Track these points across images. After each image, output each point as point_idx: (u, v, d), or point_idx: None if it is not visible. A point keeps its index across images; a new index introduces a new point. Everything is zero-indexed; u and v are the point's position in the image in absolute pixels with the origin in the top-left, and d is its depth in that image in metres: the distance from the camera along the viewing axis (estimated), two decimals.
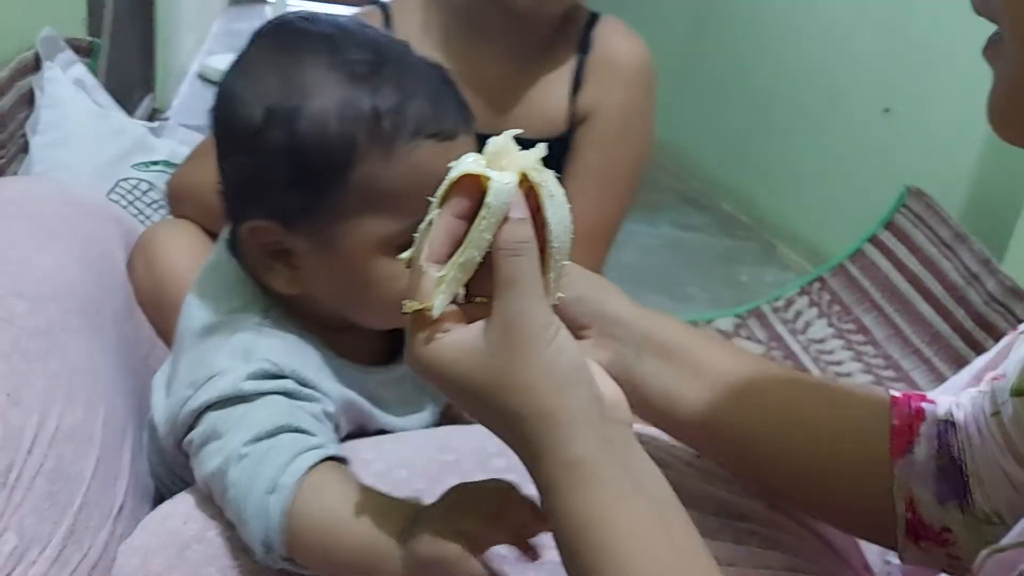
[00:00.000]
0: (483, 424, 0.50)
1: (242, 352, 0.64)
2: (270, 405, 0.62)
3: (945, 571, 0.63)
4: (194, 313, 0.69)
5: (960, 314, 1.49)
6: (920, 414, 0.62)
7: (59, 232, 0.85)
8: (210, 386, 0.62)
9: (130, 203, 1.24)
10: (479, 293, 0.49)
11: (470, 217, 0.48)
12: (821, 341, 1.64)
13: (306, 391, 0.65)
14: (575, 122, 1.05)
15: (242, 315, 0.67)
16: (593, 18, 1.05)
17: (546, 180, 0.48)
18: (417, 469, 0.70)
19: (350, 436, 0.72)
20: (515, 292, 0.46)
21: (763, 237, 2.26)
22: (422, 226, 0.49)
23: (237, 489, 0.59)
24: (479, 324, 0.48)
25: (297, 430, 0.61)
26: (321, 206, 0.63)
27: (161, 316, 0.93)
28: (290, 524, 0.57)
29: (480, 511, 0.52)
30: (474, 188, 0.48)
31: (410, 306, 0.48)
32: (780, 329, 1.68)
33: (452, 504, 0.54)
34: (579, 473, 0.45)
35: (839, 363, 1.59)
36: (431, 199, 0.49)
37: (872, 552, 0.78)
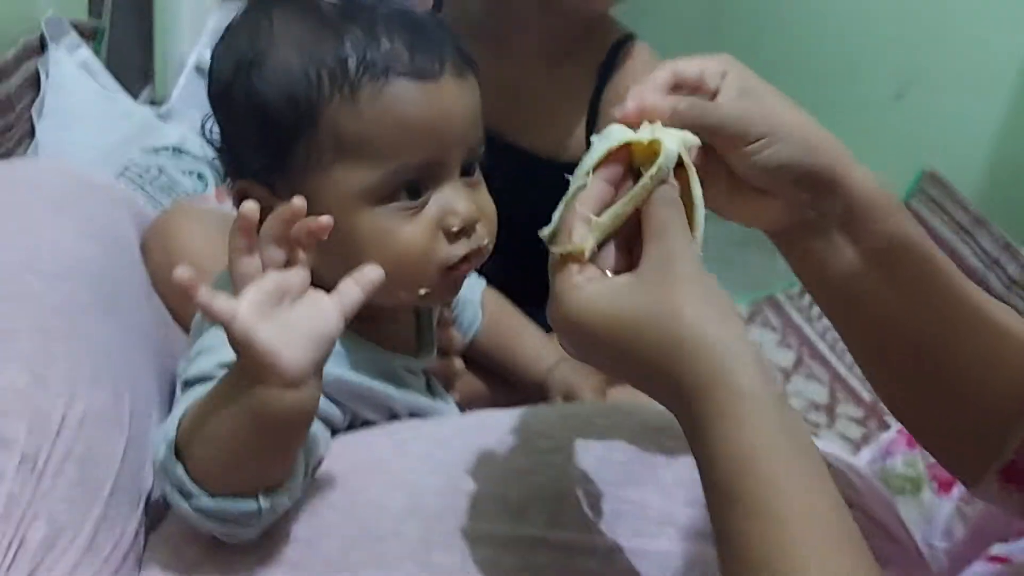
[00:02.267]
0: (627, 371, 0.49)
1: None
2: None
3: (1014, 515, 0.62)
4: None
5: None
6: None
7: (71, 212, 0.82)
8: (194, 363, 0.60)
9: (139, 187, 1.22)
10: (620, 269, 0.50)
11: (618, 184, 0.51)
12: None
13: None
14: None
15: None
16: (622, 41, 0.98)
17: (693, 169, 0.51)
18: (456, 451, 0.68)
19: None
20: (669, 234, 0.47)
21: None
22: (570, 191, 0.51)
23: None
24: (628, 273, 0.48)
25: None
26: (294, 160, 0.60)
27: (179, 300, 0.90)
28: (180, 434, 0.53)
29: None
30: (625, 159, 0.51)
31: (560, 248, 0.49)
32: (795, 317, 1.66)
33: None
34: (748, 405, 0.43)
35: None
36: (586, 165, 0.51)
37: (918, 537, 0.76)
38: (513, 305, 0.91)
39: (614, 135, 0.51)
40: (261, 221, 0.60)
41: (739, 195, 0.56)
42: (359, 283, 0.52)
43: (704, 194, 0.53)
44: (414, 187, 0.61)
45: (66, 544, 0.55)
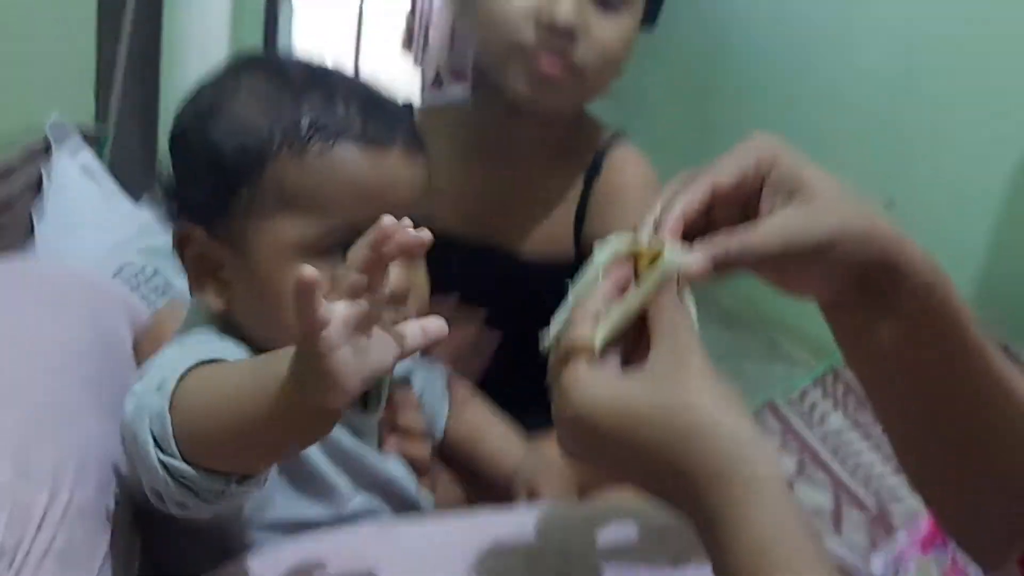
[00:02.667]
0: (639, 466, 0.47)
1: (195, 350, 0.59)
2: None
3: None
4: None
5: None
6: None
7: (68, 308, 0.83)
8: (152, 371, 0.58)
9: (134, 288, 1.21)
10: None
11: (625, 288, 0.51)
12: (838, 433, 1.60)
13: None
14: (582, 253, 0.98)
15: (206, 334, 0.65)
16: (610, 142, 0.99)
17: (687, 292, 0.51)
18: (450, 552, 0.65)
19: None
20: (679, 331, 0.48)
21: (765, 332, 2.24)
22: (577, 286, 0.52)
23: (128, 410, 0.55)
24: (637, 367, 0.48)
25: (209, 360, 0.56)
26: (237, 205, 0.61)
27: None
28: (175, 407, 0.52)
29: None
30: (630, 264, 0.52)
31: (569, 343, 0.49)
32: (795, 422, 1.64)
33: None
34: (767, 491, 0.43)
35: (858, 453, 1.55)
36: (592, 269, 0.52)
37: None
38: (481, 399, 0.89)
39: (618, 242, 0.53)
40: (198, 262, 0.64)
41: (788, 280, 0.55)
42: (426, 332, 0.51)
43: (756, 268, 0.54)
44: (347, 248, 0.60)
45: None
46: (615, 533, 0.71)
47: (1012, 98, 1.64)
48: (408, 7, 4.49)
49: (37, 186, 1.21)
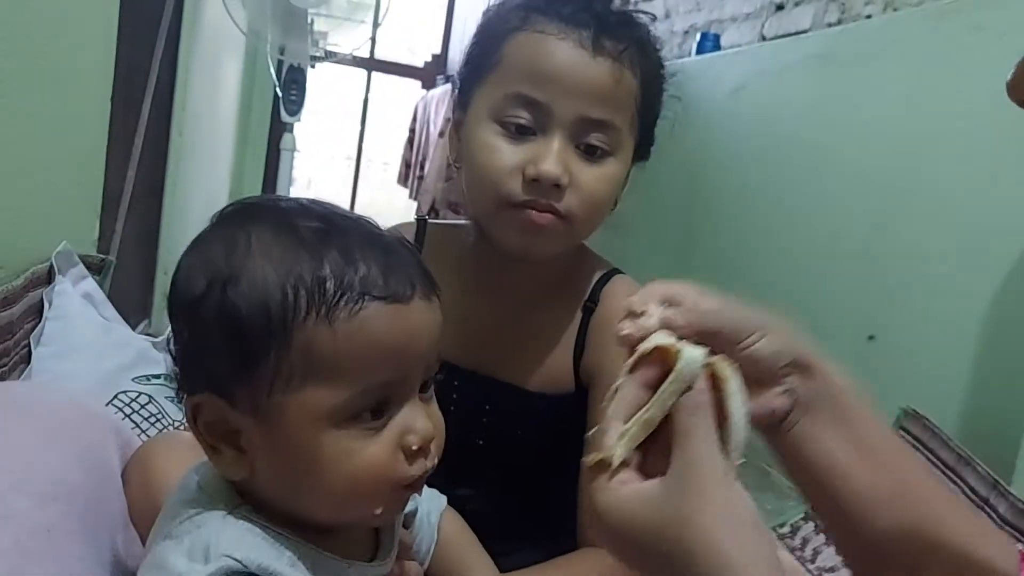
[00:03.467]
0: (654, 572, 0.50)
1: (202, 550, 0.58)
2: None
3: None
4: (162, 518, 0.64)
5: None
6: None
7: (62, 435, 0.84)
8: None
9: (127, 416, 1.22)
10: (656, 472, 0.52)
11: (655, 386, 0.53)
12: (832, 570, 1.57)
13: None
14: (582, 383, 0.99)
15: (208, 512, 0.62)
16: (607, 276, 1.01)
17: (731, 378, 0.53)
18: None
19: None
20: (693, 440, 0.50)
21: (756, 463, 2.22)
22: (608, 394, 0.54)
23: None
24: (655, 479, 0.50)
25: None
26: (261, 376, 0.58)
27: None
28: None
29: None
30: (660, 362, 0.53)
31: (593, 458, 0.52)
32: (784, 558, 1.61)
33: None
34: None
35: None
36: (624, 368, 0.54)
37: None
38: (470, 533, 0.88)
39: (649, 341, 0.54)
40: (215, 430, 0.61)
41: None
42: None
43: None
44: (378, 407, 0.61)
45: None
46: None
47: (980, 241, 1.70)
48: (404, 144, 4.64)
49: (38, 312, 1.23)
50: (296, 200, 0.65)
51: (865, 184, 2.06)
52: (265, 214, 0.63)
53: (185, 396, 0.62)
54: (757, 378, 0.60)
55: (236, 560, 0.58)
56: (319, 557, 0.64)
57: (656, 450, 0.53)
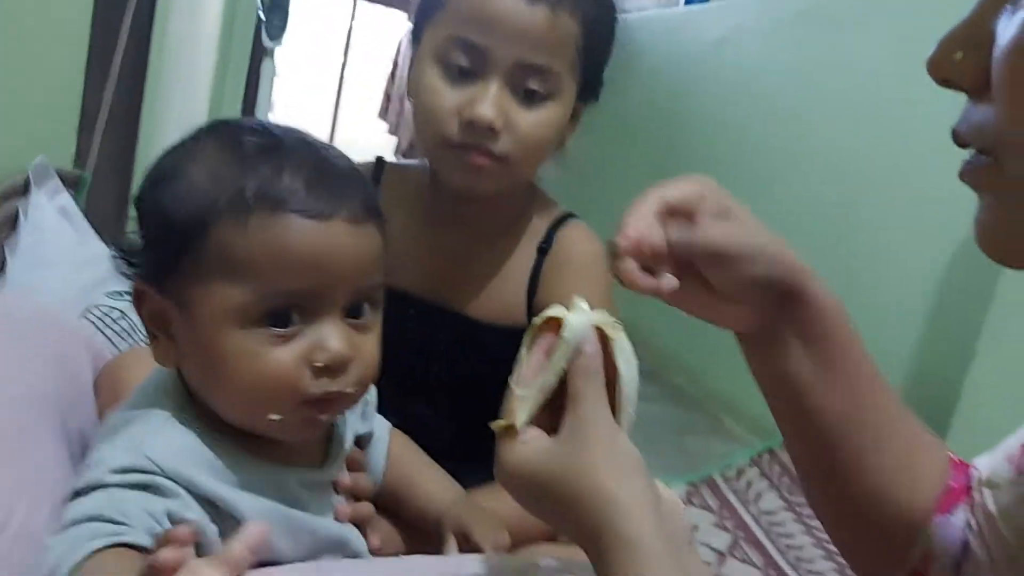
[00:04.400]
0: (547, 518, 0.57)
1: (133, 444, 0.63)
2: (110, 495, 0.60)
3: None
4: (119, 408, 0.69)
5: None
6: (970, 488, 0.66)
7: (35, 344, 0.86)
8: (86, 475, 0.61)
9: (100, 330, 1.25)
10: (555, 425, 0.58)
11: (552, 352, 0.59)
12: (772, 513, 1.65)
13: (172, 488, 0.62)
14: (532, 319, 1.04)
15: (155, 409, 0.67)
16: (562, 220, 1.04)
17: (620, 337, 0.59)
18: None
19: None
20: (583, 402, 0.56)
21: (711, 410, 2.30)
22: (516, 364, 0.60)
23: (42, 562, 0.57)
24: (553, 436, 0.57)
25: (109, 520, 0.58)
26: (183, 268, 0.63)
27: None
28: None
29: None
30: (555, 331, 0.59)
31: (497, 424, 0.59)
32: (732, 499, 1.69)
33: None
34: (630, 551, 0.50)
35: (790, 535, 1.59)
36: (525, 339, 0.61)
37: None
38: (419, 449, 0.92)
39: (544, 312, 0.61)
40: (153, 319, 0.67)
41: (716, 304, 0.65)
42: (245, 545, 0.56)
43: (686, 302, 0.64)
44: (286, 315, 0.64)
45: None
46: None
47: (940, 215, 1.75)
48: (387, 76, 4.60)
49: (14, 223, 1.25)
50: (262, 122, 0.69)
51: (838, 150, 2.09)
52: (222, 130, 0.68)
53: (134, 282, 0.67)
54: (741, 300, 0.65)
55: (151, 460, 0.62)
56: (256, 463, 0.68)
57: (557, 409, 0.58)
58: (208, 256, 0.63)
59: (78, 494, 0.61)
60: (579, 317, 0.59)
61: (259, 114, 3.19)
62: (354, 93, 5.07)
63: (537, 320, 0.61)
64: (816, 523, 1.63)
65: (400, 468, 0.88)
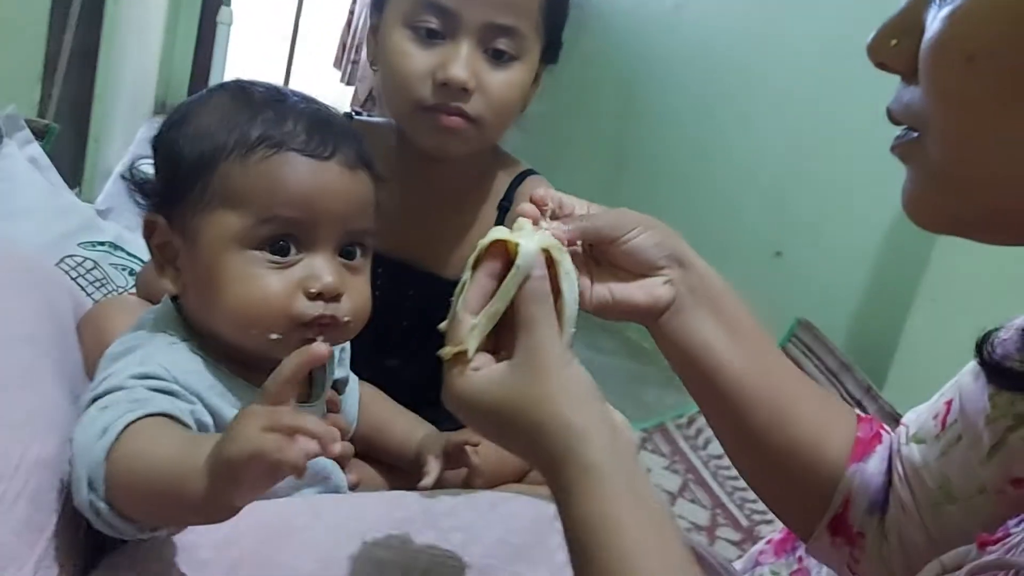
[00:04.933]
0: (505, 446, 0.57)
1: (138, 360, 0.68)
2: (136, 390, 0.65)
3: (841, 571, 0.73)
4: (116, 342, 0.73)
5: None
6: (878, 437, 0.73)
7: (26, 287, 0.89)
8: (100, 385, 0.66)
9: (73, 279, 1.27)
10: (503, 349, 0.58)
11: (499, 277, 0.59)
12: (720, 457, 1.74)
13: (187, 395, 0.67)
14: None
15: (159, 335, 0.72)
16: (522, 176, 1.07)
17: (565, 259, 0.60)
18: (368, 523, 0.74)
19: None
20: (535, 329, 0.56)
21: (664, 363, 2.38)
22: (458, 288, 0.60)
23: (76, 440, 0.61)
24: (504, 363, 0.57)
25: (145, 401, 0.63)
26: (190, 200, 0.70)
27: None
28: (111, 459, 0.58)
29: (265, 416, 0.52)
30: (502, 254, 0.59)
31: (448, 351, 0.58)
32: (682, 445, 1.77)
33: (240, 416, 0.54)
34: (593, 477, 0.51)
35: (737, 478, 1.69)
36: (468, 263, 0.60)
37: None
38: (386, 396, 0.97)
39: (489, 235, 0.60)
40: (161, 249, 0.73)
41: (623, 288, 0.70)
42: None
43: (590, 299, 0.67)
44: (283, 245, 0.70)
45: (13, 572, 0.59)
46: (513, 517, 0.82)
47: (878, 187, 1.84)
48: (343, 25, 4.53)
49: None
50: (272, 83, 0.76)
51: (788, 111, 2.16)
52: (236, 85, 0.75)
53: (145, 213, 0.74)
54: (640, 271, 0.70)
55: (165, 370, 0.67)
56: (253, 394, 0.70)
57: (506, 334, 0.59)
58: (213, 189, 0.69)
59: (97, 399, 0.64)
60: (530, 243, 0.59)
61: (216, 63, 3.16)
62: (309, 41, 5.00)
63: (483, 243, 0.60)
64: None
65: (373, 414, 0.93)
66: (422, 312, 1.06)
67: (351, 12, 4.42)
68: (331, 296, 0.70)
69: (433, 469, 0.87)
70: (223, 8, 3.14)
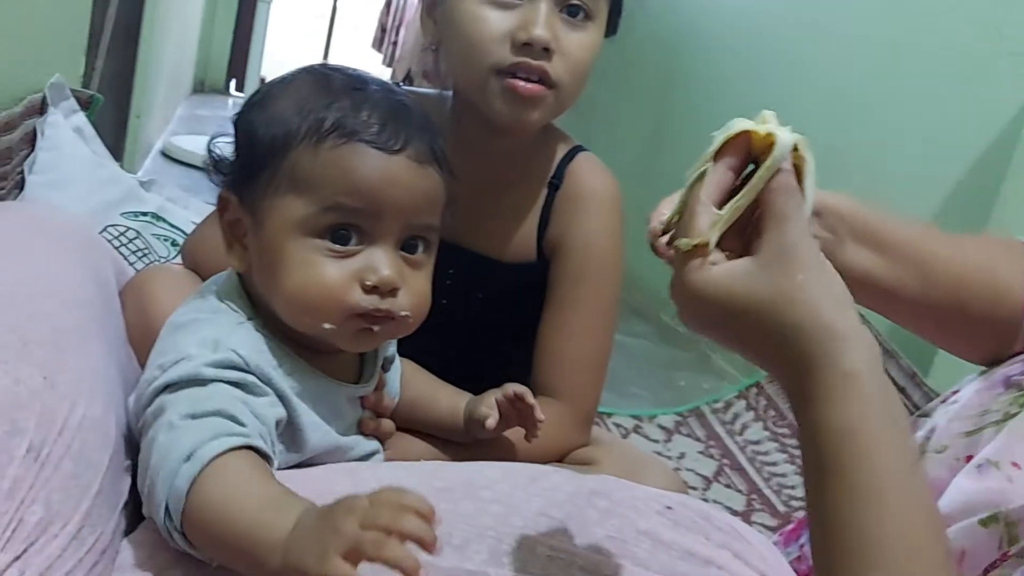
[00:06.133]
0: (742, 346, 0.54)
1: (212, 342, 0.69)
2: (218, 390, 0.66)
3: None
4: (179, 310, 0.75)
5: None
6: None
7: (74, 252, 0.92)
8: (174, 368, 0.67)
9: (116, 248, 1.28)
10: (728, 247, 0.55)
11: (738, 170, 0.55)
12: (757, 443, 1.72)
13: (261, 387, 0.69)
14: (544, 254, 1.05)
15: (225, 314, 0.73)
16: (572, 153, 1.06)
17: (810, 157, 0.55)
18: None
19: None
20: (789, 224, 0.52)
21: (699, 348, 2.37)
22: (690, 178, 0.56)
23: (158, 454, 0.62)
24: (748, 257, 0.53)
25: (231, 418, 0.64)
26: (261, 182, 0.71)
27: (144, 351, 0.96)
28: (192, 494, 0.59)
29: (362, 513, 0.51)
30: (744, 148, 0.56)
31: (686, 243, 0.54)
32: (718, 429, 1.76)
33: (337, 507, 0.53)
34: (855, 384, 0.49)
35: (774, 464, 1.67)
36: (708, 153, 0.56)
37: None
38: (425, 370, 0.97)
39: (734, 126, 0.56)
40: (231, 227, 0.74)
41: None
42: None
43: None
44: (344, 235, 0.70)
45: (57, 530, 0.60)
46: (552, 491, 0.81)
47: (928, 160, 1.80)
48: (382, 6, 4.54)
49: (32, 141, 1.27)
50: (355, 69, 0.77)
51: (834, 84, 2.12)
52: (318, 70, 0.76)
53: (220, 190, 0.75)
54: None
55: (240, 357, 0.68)
56: (311, 374, 0.74)
57: (734, 231, 0.55)
58: (283, 173, 0.70)
59: (173, 386, 0.66)
60: (786, 135, 0.54)
61: (255, 41, 3.17)
62: (347, 22, 5.01)
63: (727, 133, 0.56)
64: (799, 452, 1.70)
65: (415, 387, 0.93)
66: (462, 291, 1.06)
67: None
68: (387, 290, 0.70)
69: (494, 412, 0.87)
70: None
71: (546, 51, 0.91)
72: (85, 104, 1.41)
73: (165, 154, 2.95)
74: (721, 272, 0.53)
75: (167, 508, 0.61)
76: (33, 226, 0.90)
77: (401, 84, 1.11)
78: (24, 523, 0.58)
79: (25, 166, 1.24)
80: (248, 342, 0.70)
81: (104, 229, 1.29)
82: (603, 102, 1.02)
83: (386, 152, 0.70)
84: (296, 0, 5.08)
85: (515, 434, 0.93)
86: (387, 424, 0.86)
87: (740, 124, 0.56)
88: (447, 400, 0.93)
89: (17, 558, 0.56)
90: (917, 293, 0.73)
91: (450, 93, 1.03)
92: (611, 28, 1.00)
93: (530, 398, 0.87)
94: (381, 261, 0.70)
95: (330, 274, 0.69)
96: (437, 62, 1.03)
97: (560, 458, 0.99)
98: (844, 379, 0.49)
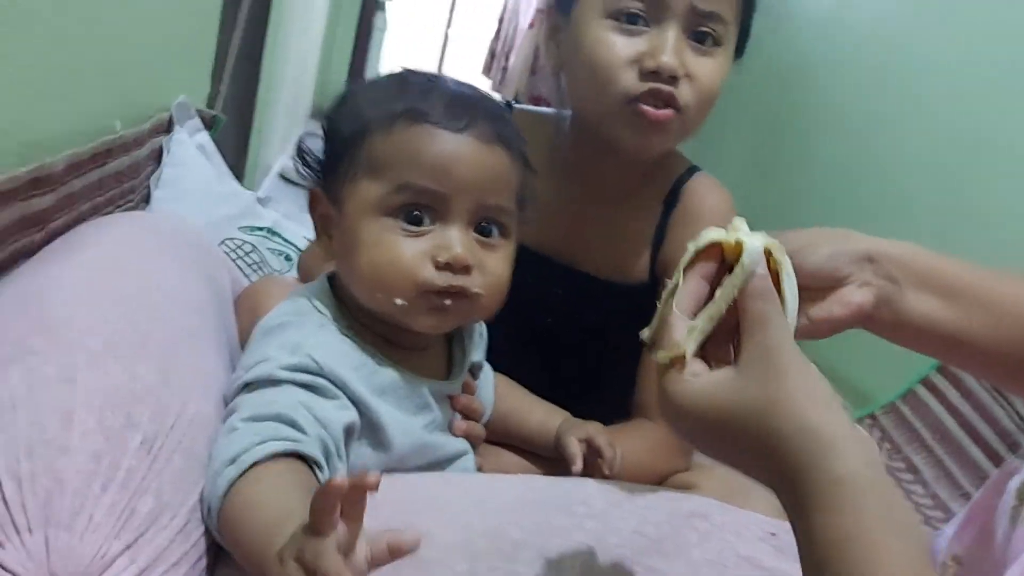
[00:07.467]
0: (729, 457, 0.53)
1: (292, 345, 0.71)
2: (286, 393, 0.68)
3: None
4: (271, 313, 0.77)
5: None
6: None
7: (194, 261, 0.96)
8: (254, 369, 0.70)
9: (233, 260, 1.33)
10: (715, 358, 0.55)
11: (713, 279, 0.56)
12: None
13: (332, 390, 0.70)
14: (656, 275, 1.03)
15: (309, 317, 0.75)
16: (688, 173, 1.04)
17: (785, 260, 0.56)
18: (504, 502, 0.75)
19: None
20: (769, 328, 0.52)
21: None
22: (666, 291, 0.57)
23: (215, 454, 0.65)
24: (729, 367, 0.53)
25: (289, 422, 0.65)
26: (341, 172, 0.74)
27: None
28: (228, 498, 0.61)
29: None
30: (716, 257, 0.57)
31: (663, 356, 0.55)
32: None
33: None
34: (846, 491, 0.46)
35: None
36: (681, 264, 0.58)
37: None
38: (520, 386, 0.96)
39: (704, 237, 0.57)
40: (321, 220, 0.77)
41: (819, 308, 0.66)
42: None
43: (820, 324, 0.64)
44: (418, 215, 0.72)
45: (166, 522, 0.62)
46: (649, 509, 0.80)
47: None
48: (492, 33, 4.62)
49: (158, 158, 1.34)
50: (439, 74, 0.81)
51: (948, 121, 2.01)
52: (400, 73, 0.80)
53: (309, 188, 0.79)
54: (830, 284, 0.66)
55: (315, 361, 0.70)
56: (395, 370, 0.75)
57: (715, 340, 0.55)
58: (359, 160, 0.73)
59: (250, 385, 0.69)
60: (755, 240, 0.55)
61: (370, 67, 3.27)
62: (458, 49, 5.12)
63: (697, 244, 0.58)
64: (914, 487, 1.62)
65: (509, 402, 0.93)
66: (569, 311, 1.05)
67: (500, 21, 4.50)
68: (459, 267, 0.72)
69: (579, 453, 0.86)
70: (379, 13, 3.24)
71: (674, 79, 0.89)
72: (208, 124, 1.48)
73: (283, 176, 3.07)
74: (703, 384, 0.53)
75: (208, 508, 0.63)
76: (159, 237, 0.95)
77: (512, 104, 1.11)
78: (136, 513, 0.60)
79: (151, 181, 1.31)
80: (327, 344, 0.72)
81: (223, 242, 1.35)
82: (710, 124, 1.00)
83: (450, 131, 0.72)
84: (410, 30, 5.22)
85: None
86: (477, 428, 0.86)
87: (710, 234, 0.57)
88: (540, 418, 0.93)
89: (128, 547, 0.58)
90: (986, 338, 0.67)
91: (568, 113, 1.02)
92: (739, 51, 0.98)
93: (608, 451, 0.85)
94: (453, 239, 0.72)
95: (403, 251, 0.71)
96: (558, 85, 1.02)
97: (659, 482, 0.97)
98: (834, 486, 0.46)
